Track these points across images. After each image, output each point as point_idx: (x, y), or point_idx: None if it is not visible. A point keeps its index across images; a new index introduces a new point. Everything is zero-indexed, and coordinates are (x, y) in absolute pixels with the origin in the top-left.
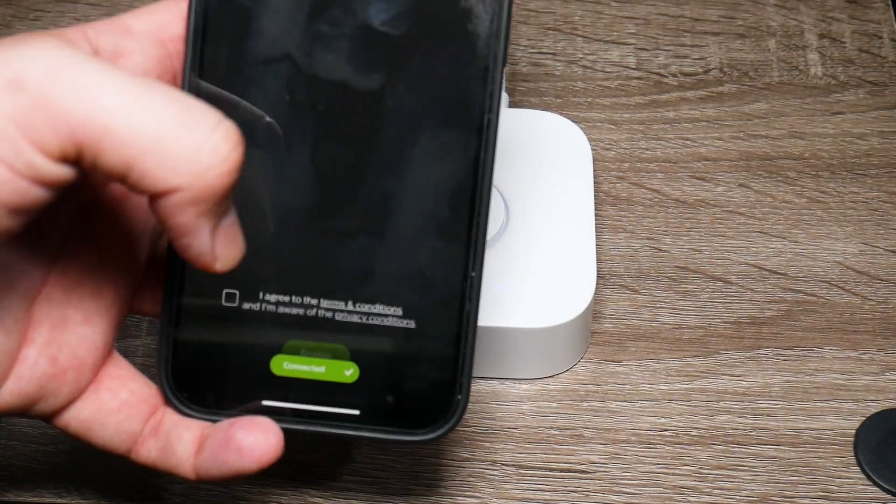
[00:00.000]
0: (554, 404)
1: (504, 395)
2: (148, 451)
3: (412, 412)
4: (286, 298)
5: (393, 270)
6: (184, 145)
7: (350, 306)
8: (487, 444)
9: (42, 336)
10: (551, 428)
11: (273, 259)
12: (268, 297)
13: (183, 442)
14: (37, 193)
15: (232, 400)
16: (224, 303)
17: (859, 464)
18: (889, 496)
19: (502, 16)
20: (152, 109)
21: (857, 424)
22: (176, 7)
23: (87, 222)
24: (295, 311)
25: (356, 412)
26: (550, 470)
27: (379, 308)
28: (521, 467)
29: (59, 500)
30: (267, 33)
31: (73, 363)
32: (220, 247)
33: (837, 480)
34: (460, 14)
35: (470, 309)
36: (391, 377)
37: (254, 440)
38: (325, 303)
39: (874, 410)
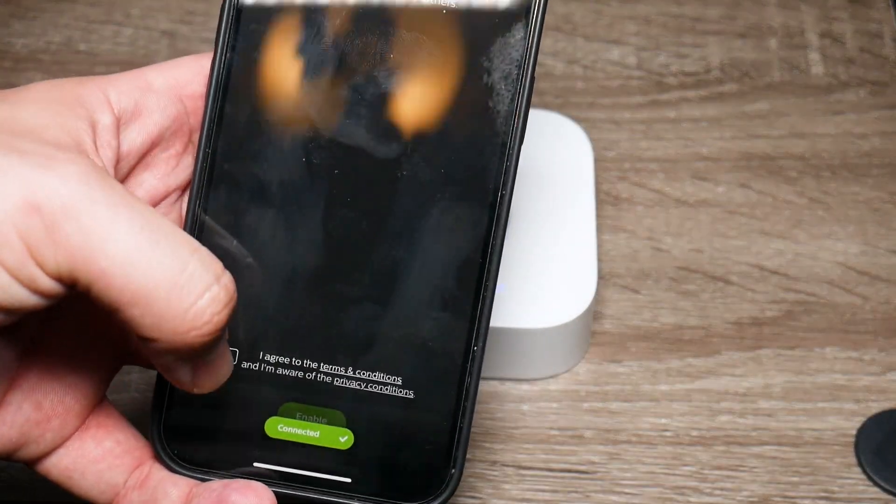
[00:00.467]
0: (554, 405)
1: (504, 395)
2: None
3: (405, 483)
4: (286, 360)
5: (395, 340)
6: (171, 306)
7: (349, 372)
8: (487, 445)
9: (28, 382)
10: (552, 428)
11: (275, 320)
12: (267, 357)
13: (169, 499)
14: (32, 300)
15: (224, 460)
16: None
17: (860, 464)
18: (890, 497)
19: (523, 94)
20: (152, 264)
21: (858, 425)
22: (198, 64)
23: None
24: (293, 373)
25: (348, 480)
26: (551, 470)
27: (378, 376)
28: (521, 468)
29: (58, 500)
30: (289, 96)
31: (58, 411)
32: (200, 378)
33: (838, 481)
34: (483, 90)
35: (470, 383)
36: (386, 446)
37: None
38: (324, 367)
39: (875, 411)
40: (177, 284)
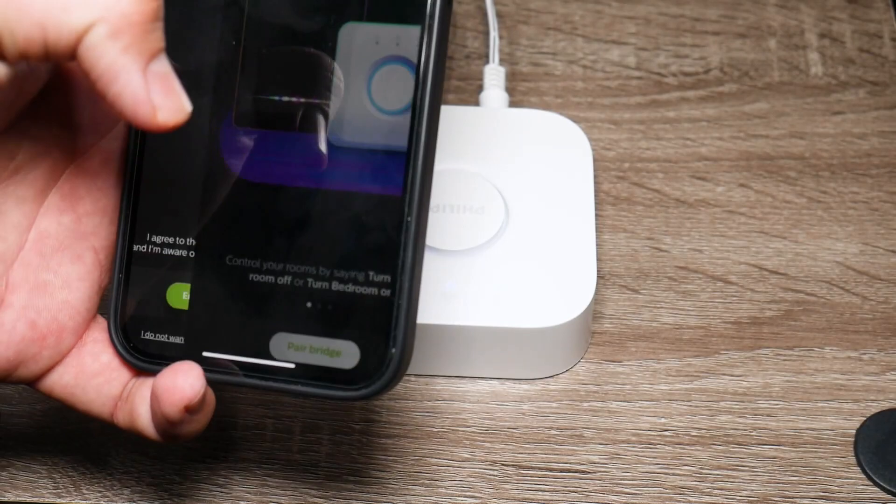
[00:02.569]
0: (554, 404)
1: (504, 395)
2: (121, 415)
3: (345, 368)
4: (230, 256)
5: (327, 220)
6: None
7: (285, 259)
8: (487, 445)
9: (20, 300)
10: (551, 428)
11: (214, 216)
12: (212, 248)
13: (145, 401)
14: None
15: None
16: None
17: (860, 464)
18: (889, 496)
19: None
20: None
21: (857, 424)
22: None
23: (63, 187)
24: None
25: (291, 366)
26: (550, 470)
27: (312, 259)
28: (521, 467)
29: (58, 501)
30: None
31: (52, 328)
32: (156, 94)
33: (837, 481)
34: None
35: (405, 257)
36: (325, 330)
37: (170, 382)
38: (262, 263)
39: (874, 410)
40: None
